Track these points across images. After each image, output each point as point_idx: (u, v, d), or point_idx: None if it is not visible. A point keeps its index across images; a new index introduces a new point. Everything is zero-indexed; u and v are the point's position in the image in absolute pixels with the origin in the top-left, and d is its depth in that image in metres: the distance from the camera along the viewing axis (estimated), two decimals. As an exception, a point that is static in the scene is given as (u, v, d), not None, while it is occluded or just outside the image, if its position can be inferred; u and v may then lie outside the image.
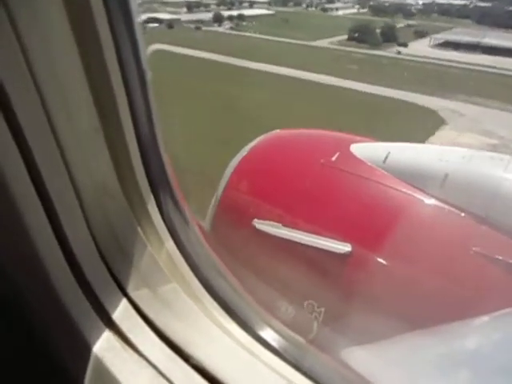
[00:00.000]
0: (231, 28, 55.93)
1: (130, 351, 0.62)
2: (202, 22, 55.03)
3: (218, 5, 70.48)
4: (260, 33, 53.45)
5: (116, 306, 0.65)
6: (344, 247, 1.85)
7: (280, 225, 1.99)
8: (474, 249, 1.71)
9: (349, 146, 2.19)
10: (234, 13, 62.43)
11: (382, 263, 1.83)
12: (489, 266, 1.67)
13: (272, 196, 2.17)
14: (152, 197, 0.66)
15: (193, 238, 0.72)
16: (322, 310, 1.82)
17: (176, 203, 0.70)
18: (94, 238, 0.63)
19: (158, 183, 0.67)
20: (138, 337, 0.63)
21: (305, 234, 1.93)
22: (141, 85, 0.60)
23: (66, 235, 0.59)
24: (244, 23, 58.61)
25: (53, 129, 0.54)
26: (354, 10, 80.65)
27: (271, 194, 2.18)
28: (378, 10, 74.55)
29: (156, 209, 0.67)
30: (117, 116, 0.59)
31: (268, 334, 0.64)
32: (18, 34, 0.47)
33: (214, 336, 0.63)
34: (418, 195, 1.90)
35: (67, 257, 0.61)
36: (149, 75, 0.61)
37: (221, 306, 0.66)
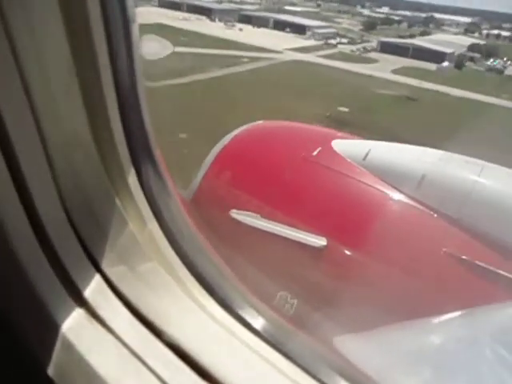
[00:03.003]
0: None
1: (101, 329, 0.58)
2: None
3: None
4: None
5: (88, 283, 0.61)
6: (319, 241, 1.86)
7: (258, 216, 1.98)
8: (444, 249, 1.76)
9: (330, 141, 2.20)
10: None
11: (355, 259, 1.85)
12: (458, 266, 1.73)
13: (252, 187, 2.15)
14: (132, 164, 0.61)
15: (175, 214, 0.68)
16: (295, 301, 1.82)
17: (158, 173, 0.65)
18: (65, 207, 0.58)
19: (139, 149, 0.61)
20: (110, 315, 0.59)
21: (282, 226, 1.93)
22: (124, 35, 0.55)
23: (34, 201, 0.54)
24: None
25: (18, 66, 0.47)
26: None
27: (251, 184, 2.16)
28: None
29: (136, 178, 0.62)
30: (94, 56, 0.51)
31: (248, 314, 0.62)
32: None
33: (191, 314, 0.60)
34: (394, 194, 1.94)
35: (35, 227, 0.55)
36: (135, 26, 0.55)
37: (201, 285, 0.63)
